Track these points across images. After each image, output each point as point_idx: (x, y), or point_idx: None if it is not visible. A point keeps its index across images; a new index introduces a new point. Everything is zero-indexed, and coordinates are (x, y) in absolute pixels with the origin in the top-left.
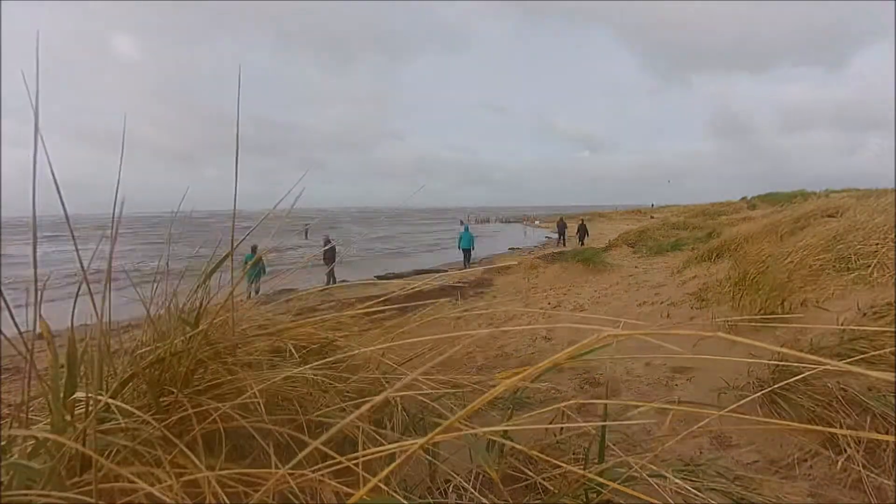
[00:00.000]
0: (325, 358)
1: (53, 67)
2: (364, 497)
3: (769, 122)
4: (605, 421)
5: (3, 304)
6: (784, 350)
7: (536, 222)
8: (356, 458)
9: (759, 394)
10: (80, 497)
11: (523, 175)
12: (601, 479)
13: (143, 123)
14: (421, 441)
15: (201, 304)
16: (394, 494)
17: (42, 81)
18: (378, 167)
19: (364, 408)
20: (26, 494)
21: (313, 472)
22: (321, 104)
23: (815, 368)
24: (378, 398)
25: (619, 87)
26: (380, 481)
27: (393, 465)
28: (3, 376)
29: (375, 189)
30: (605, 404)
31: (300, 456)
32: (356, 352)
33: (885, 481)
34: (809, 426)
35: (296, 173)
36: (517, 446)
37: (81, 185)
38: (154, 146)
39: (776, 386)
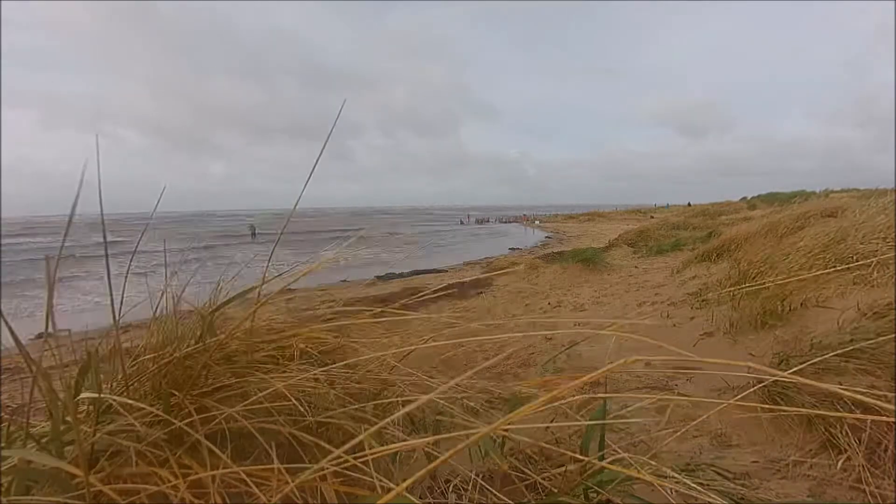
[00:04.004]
0: (334, 361)
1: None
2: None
3: None
4: (604, 416)
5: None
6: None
7: (537, 223)
8: (360, 456)
9: (757, 387)
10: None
11: (572, 171)
12: (608, 466)
13: (131, 88)
14: (471, 439)
15: (214, 311)
16: (408, 496)
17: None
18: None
19: (407, 408)
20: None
21: (317, 472)
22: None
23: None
24: (419, 401)
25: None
26: (380, 480)
27: (430, 466)
28: (3, 376)
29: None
30: (605, 399)
31: (318, 466)
32: (367, 356)
33: (885, 481)
34: (810, 404)
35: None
36: (524, 439)
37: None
38: (151, 126)
39: (778, 377)
